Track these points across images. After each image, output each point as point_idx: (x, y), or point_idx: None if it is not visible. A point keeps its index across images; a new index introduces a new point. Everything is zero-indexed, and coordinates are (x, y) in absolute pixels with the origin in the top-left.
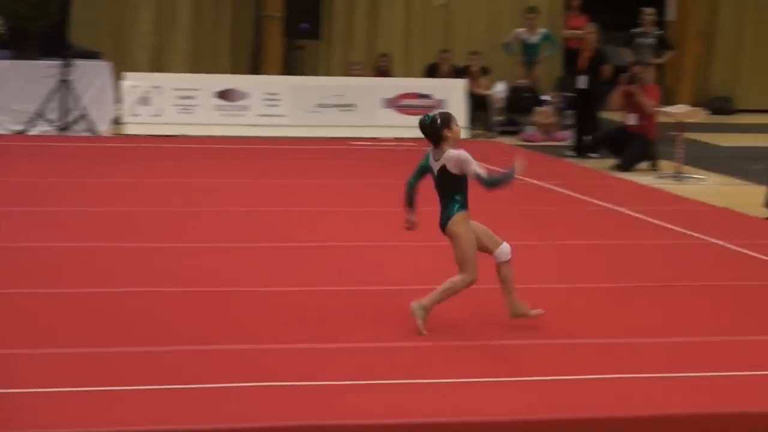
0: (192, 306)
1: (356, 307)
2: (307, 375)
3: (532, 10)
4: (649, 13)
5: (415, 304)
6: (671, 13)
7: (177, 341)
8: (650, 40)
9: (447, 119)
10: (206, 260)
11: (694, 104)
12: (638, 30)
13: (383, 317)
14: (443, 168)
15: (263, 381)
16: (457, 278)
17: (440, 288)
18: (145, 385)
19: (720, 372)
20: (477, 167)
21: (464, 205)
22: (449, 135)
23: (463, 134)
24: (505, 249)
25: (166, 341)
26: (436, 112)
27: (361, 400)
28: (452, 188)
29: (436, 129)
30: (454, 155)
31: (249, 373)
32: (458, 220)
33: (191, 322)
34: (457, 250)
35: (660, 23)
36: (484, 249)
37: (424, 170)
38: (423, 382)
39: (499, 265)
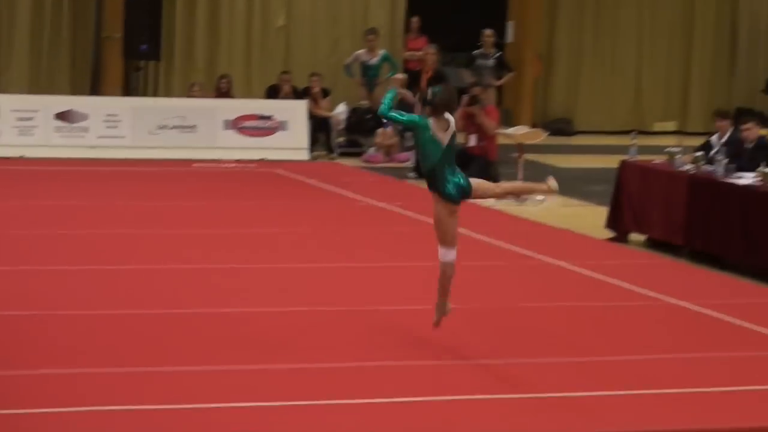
0: None
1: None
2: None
3: (372, 31)
4: (488, 35)
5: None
6: (510, 35)
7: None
8: (490, 62)
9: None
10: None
11: (534, 125)
12: (478, 52)
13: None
14: (454, 137)
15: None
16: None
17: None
18: None
19: (550, 393)
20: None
21: (432, 186)
22: (456, 107)
23: (304, 156)
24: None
25: None
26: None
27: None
28: (453, 159)
29: (451, 99)
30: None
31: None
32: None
33: None
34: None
35: (499, 45)
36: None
37: (414, 124)
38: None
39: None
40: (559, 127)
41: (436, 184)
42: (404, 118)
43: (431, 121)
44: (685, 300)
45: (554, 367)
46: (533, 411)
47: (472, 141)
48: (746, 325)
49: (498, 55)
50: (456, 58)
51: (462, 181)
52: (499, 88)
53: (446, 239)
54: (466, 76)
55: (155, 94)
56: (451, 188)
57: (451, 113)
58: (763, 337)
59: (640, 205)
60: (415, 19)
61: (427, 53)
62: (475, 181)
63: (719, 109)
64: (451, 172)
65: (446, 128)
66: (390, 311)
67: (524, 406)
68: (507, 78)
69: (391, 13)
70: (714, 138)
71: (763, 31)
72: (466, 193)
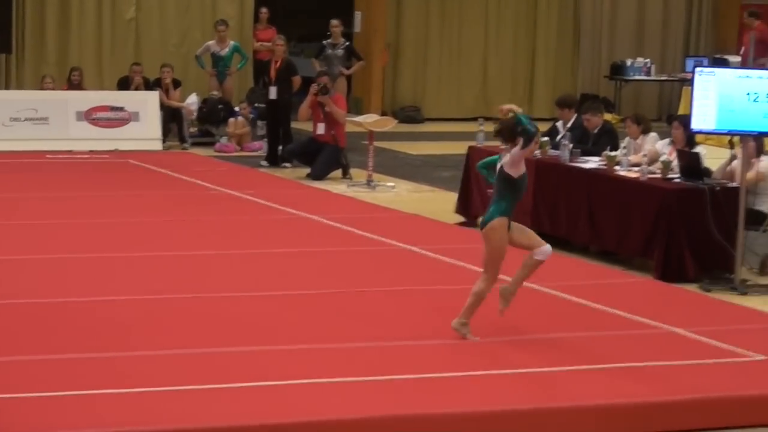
0: None
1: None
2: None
3: (221, 22)
4: (335, 25)
5: (455, 323)
6: (357, 25)
7: None
8: (339, 52)
9: (530, 136)
10: None
11: (384, 113)
12: (327, 42)
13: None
14: (501, 167)
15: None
16: (481, 284)
17: (470, 299)
18: None
19: (403, 375)
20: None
21: (506, 211)
22: (520, 141)
23: (156, 146)
24: (546, 249)
25: None
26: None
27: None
28: (502, 190)
29: (514, 132)
30: (508, 155)
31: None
32: (495, 226)
33: None
34: (486, 253)
35: (348, 35)
36: (524, 247)
37: (493, 164)
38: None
39: (534, 260)
40: (408, 114)
41: (507, 206)
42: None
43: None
44: (533, 282)
45: (408, 349)
46: (387, 391)
47: (320, 129)
48: (592, 305)
49: (347, 44)
50: (305, 48)
51: (487, 215)
52: (349, 77)
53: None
54: (316, 66)
55: (7, 86)
56: (507, 210)
57: (508, 142)
58: (609, 317)
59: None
60: (264, 10)
61: (277, 44)
62: (488, 229)
63: (560, 99)
64: (492, 202)
65: (502, 159)
66: (240, 297)
67: (379, 387)
68: (357, 67)
69: (241, 4)
70: (560, 123)
71: (606, 17)
72: (481, 226)
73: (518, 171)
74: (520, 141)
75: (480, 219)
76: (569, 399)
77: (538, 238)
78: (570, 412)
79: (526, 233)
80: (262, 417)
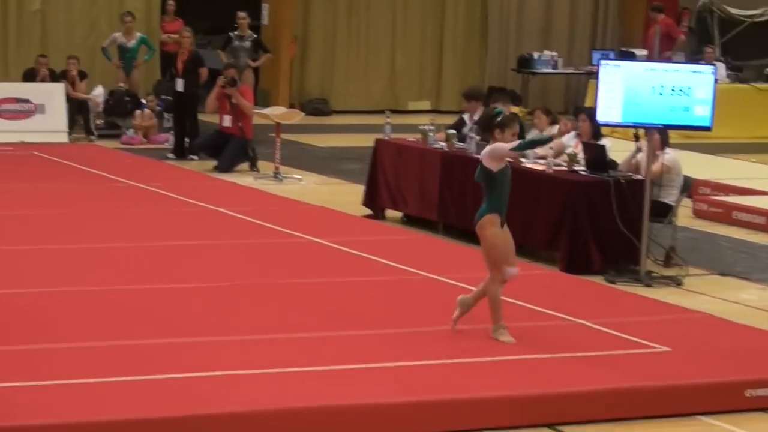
0: None
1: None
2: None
3: (128, 14)
4: (242, 17)
5: (492, 332)
6: (265, 18)
7: None
8: (246, 44)
9: (506, 123)
10: None
11: (291, 106)
12: (234, 34)
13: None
14: (480, 163)
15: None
16: (489, 287)
17: (489, 307)
18: None
19: (320, 366)
20: (509, 145)
21: (494, 207)
22: (498, 137)
23: (63, 138)
24: (512, 271)
25: None
26: (506, 112)
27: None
28: (486, 187)
29: (491, 123)
30: (487, 149)
31: None
32: (484, 224)
33: None
34: (482, 252)
35: (255, 27)
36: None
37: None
38: None
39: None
40: (316, 107)
41: (492, 200)
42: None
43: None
44: (439, 274)
45: (318, 341)
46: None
47: (227, 122)
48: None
49: (254, 37)
50: (212, 40)
51: (478, 214)
52: (256, 70)
53: (506, 258)
54: (222, 58)
55: None
56: (503, 206)
57: (485, 137)
58: (515, 308)
59: (396, 182)
60: (170, 2)
61: (183, 36)
62: (478, 228)
63: (467, 91)
64: (483, 199)
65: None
66: (148, 290)
67: (302, 377)
68: (263, 59)
69: None
70: (466, 116)
71: (514, 11)
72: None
73: (498, 165)
74: (501, 134)
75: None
76: (471, 390)
77: (513, 256)
78: (472, 403)
79: (510, 247)
80: (167, 410)
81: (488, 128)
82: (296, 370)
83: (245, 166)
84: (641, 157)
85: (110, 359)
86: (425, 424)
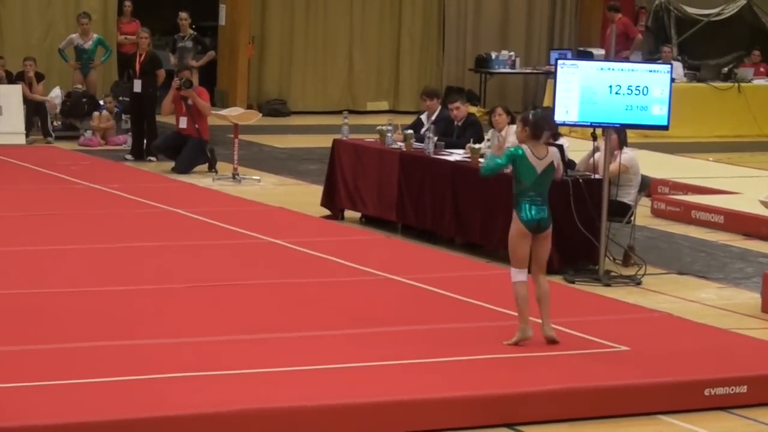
0: None
1: None
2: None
3: (85, 15)
4: (183, 17)
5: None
6: (223, 18)
7: None
8: (188, 43)
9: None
10: None
11: (249, 107)
12: (178, 35)
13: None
14: (551, 165)
15: None
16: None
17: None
18: None
19: (280, 368)
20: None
21: (514, 206)
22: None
23: (20, 140)
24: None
25: None
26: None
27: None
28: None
29: (550, 123)
30: (555, 151)
31: None
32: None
33: None
34: (549, 249)
35: (212, 28)
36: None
37: (514, 158)
38: None
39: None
40: (274, 107)
41: (518, 205)
42: (504, 161)
43: (527, 147)
44: (398, 275)
45: (274, 342)
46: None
47: (183, 123)
48: (457, 297)
49: (194, 36)
50: (169, 41)
51: (544, 215)
52: (212, 70)
53: (513, 259)
54: (171, 60)
55: None
56: (528, 215)
57: (551, 139)
58: (474, 308)
59: (354, 183)
60: (127, 3)
61: (141, 37)
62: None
63: (425, 90)
64: (538, 201)
65: (544, 156)
66: (112, 291)
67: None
68: (206, 58)
69: None
70: (424, 116)
71: (471, 10)
72: (539, 229)
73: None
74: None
75: None
76: (430, 391)
77: (537, 260)
78: (429, 404)
79: (539, 248)
80: (131, 411)
81: (542, 130)
82: (250, 372)
83: (204, 167)
84: (599, 156)
85: (76, 361)
86: (381, 425)
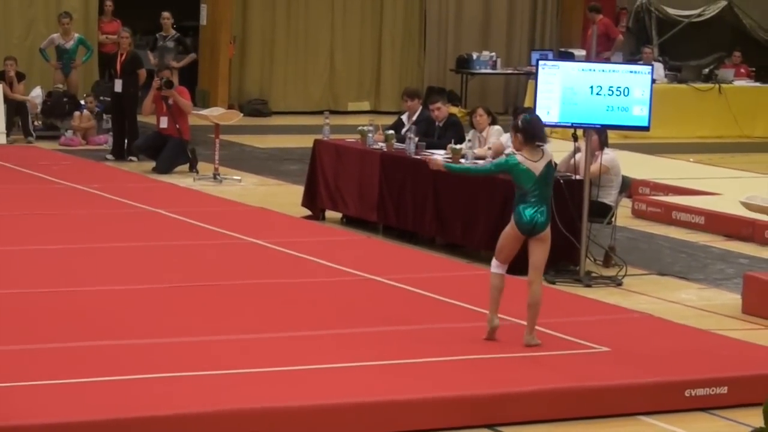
0: None
1: None
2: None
3: (66, 15)
4: (166, 17)
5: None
6: (204, 18)
7: None
8: (170, 44)
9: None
10: None
11: (231, 107)
12: (159, 34)
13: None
14: (549, 165)
15: None
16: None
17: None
18: None
19: (262, 368)
20: None
21: (513, 209)
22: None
23: (0, 140)
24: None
25: None
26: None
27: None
28: (550, 190)
29: (543, 129)
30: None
31: None
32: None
33: None
34: (545, 255)
35: (194, 27)
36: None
37: (507, 167)
38: None
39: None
40: (255, 107)
41: (515, 208)
42: (491, 168)
43: (519, 154)
44: (379, 275)
45: (255, 342)
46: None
47: (164, 123)
48: (438, 297)
49: (177, 36)
50: (151, 41)
51: (540, 218)
52: (185, 70)
53: (497, 252)
54: (151, 59)
55: None
56: (524, 217)
57: (542, 141)
58: (454, 309)
59: (335, 183)
60: (108, 3)
61: (122, 36)
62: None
63: (407, 90)
64: (537, 203)
65: (539, 158)
66: (91, 292)
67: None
68: (187, 60)
69: None
70: (405, 116)
71: (452, 11)
72: (533, 231)
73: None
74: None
75: None
76: (409, 391)
77: (532, 264)
78: (408, 405)
79: (534, 251)
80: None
81: (533, 134)
82: (234, 372)
83: (185, 167)
84: (580, 157)
85: (57, 361)
86: (365, 426)
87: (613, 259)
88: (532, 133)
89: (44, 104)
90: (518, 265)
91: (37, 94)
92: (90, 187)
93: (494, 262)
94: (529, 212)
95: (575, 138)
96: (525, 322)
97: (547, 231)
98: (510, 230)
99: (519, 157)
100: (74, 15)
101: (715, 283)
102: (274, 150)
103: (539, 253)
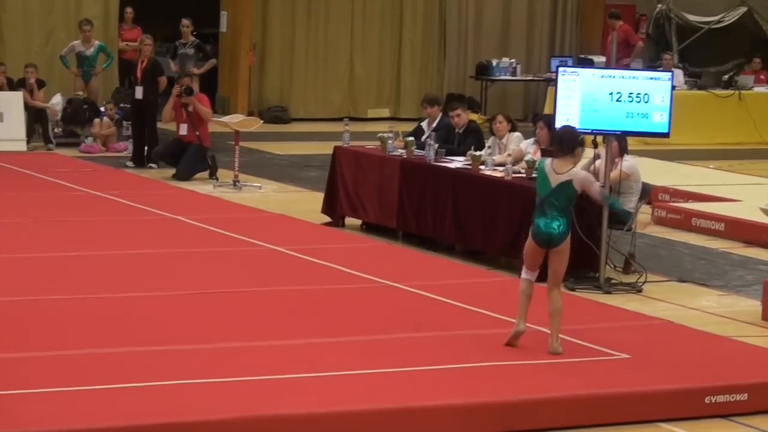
0: None
1: None
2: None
3: (86, 22)
4: (185, 24)
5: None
6: (224, 25)
7: None
8: (190, 50)
9: (584, 141)
10: None
11: (251, 114)
12: (179, 42)
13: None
14: (566, 182)
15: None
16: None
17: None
18: None
19: (283, 375)
20: (599, 188)
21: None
22: (580, 153)
23: (21, 147)
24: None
25: None
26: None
27: None
28: (568, 205)
29: (576, 141)
30: (582, 174)
31: None
32: (569, 242)
33: None
34: (563, 266)
35: (214, 35)
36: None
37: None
38: None
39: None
40: (275, 114)
41: (533, 216)
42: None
43: (549, 161)
44: (398, 282)
45: (276, 349)
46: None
47: (183, 130)
48: (458, 304)
49: (196, 43)
50: (171, 48)
51: (555, 230)
52: (205, 77)
53: (525, 260)
54: (172, 67)
55: None
56: (537, 227)
57: (566, 155)
58: (475, 315)
59: (355, 189)
60: (129, 10)
61: (144, 43)
62: (566, 245)
63: (426, 97)
64: (552, 215)
65: (564, 171)
66: (114, 299)
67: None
68: (207, 66)
69: (105, 3)
70: (425, 123)
71: (472, 18)
72: (549, 244)
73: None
74: (581, 152)
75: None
76: (430, 398)
77: (551, 274)
78: (430, 411)
79: (552, 262)
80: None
81: (574, 145)
82: (255, 379)
83: (204, 174)
84: (600, 164)
85: (80, 368)
86: None
87: (633, 265)
88: (557, 141)
89: (64, 111)
90: (541, 273)
91: (57, 102)
92: (110, 194)
93: (523, 267)
94: (541, 223)
95: (595, 145)
96: (545, 329)
97: (564, 245)
98: (529, 239)
99: (547, 162)
100: (94, 22)
101: (735, 290)
102: (294, 157)
103: (557, 263)
